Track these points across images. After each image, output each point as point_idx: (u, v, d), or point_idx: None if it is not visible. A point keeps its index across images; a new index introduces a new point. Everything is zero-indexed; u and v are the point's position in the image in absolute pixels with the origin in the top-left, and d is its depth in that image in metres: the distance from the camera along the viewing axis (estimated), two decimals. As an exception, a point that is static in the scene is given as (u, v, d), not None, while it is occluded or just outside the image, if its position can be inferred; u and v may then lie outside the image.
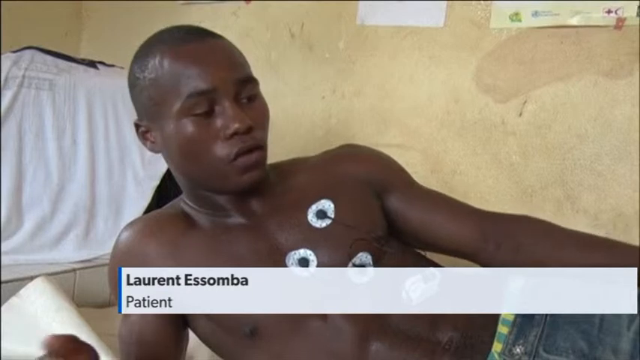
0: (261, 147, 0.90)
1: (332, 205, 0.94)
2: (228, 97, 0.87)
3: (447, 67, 1.64)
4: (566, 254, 0.96)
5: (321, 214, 0.94)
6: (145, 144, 0.96)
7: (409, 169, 1.08)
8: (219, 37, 0.93)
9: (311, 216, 0.94)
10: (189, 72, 0.87)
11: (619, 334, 0.83)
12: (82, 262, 1.73)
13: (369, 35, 1.77)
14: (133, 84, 0.93)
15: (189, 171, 0.94)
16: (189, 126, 0.88)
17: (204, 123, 0.87)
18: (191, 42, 0.89)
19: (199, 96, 0.86)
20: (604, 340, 0.83)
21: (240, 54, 0.93)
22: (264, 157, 0.92)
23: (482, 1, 1.58)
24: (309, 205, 0.95)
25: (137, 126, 0.95)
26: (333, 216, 0.94)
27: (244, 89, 0.89)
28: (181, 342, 0.99)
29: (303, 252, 0.91)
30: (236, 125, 0.86)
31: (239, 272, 0.91)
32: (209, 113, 0.87)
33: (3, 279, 1.47)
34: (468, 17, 1.60)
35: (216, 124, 0.87)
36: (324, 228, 0.93)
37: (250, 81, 0.91)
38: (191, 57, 0.87)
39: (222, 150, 0.88)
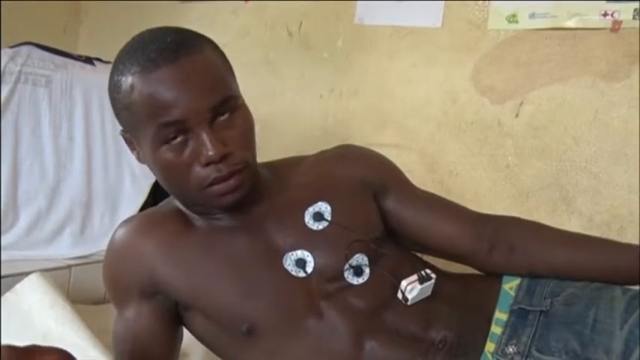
0: (239, 170, 0.87)
1: (329, 208, 0.95)
2: (201, 126, 0.84)
3: (444, 67, 1.64)
4: (560, 254, 0.97)
5: (318, 217, 0.94)
6: (132, 153, 0.95)
7: (405, 170, 1.09)
8: (198, 51, 0.86)
9: (308, 218, 0.94)
10: (159, 102, 0.83)
11: (611, 334, 0.83)
12: (77, 258, 1.73)
13: (367, 35, 1.77)
14: (111, 101, 0.90)
15: (171, 191, 0.94)
16: (164, 154, 0.86)
17: (179, 151, 0.86)
18: (162, 66, 0.83)
19: (169, 127, 0.84)
20: (596, 340, 0.83)
21: (220, 68, 0.89)
22: (246, 177, 0.89)
23: (479, 3, 1.58)
24: (306, 208, 0.95)
25: (124, 137, 0.95)
26: (330, 218, 0.94)
27: (221, 110, 0.86)
28: (176, 339, 0.99)
29: (300, 253, 0.92)
30: (209, 154, 0.84)
31: (236, 271, 0.91)
32: (185, 140, 0.86)
33: (-2, 274, 1.47)
34: (465, 18, 1.60)
35: (191, 153, 0.86)
36: (321, 230, 0.93)
37: (226, 101, 0.87)
38: (161, 85, 0.83)
39: (197, 177, 0.86)
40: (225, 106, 0.87)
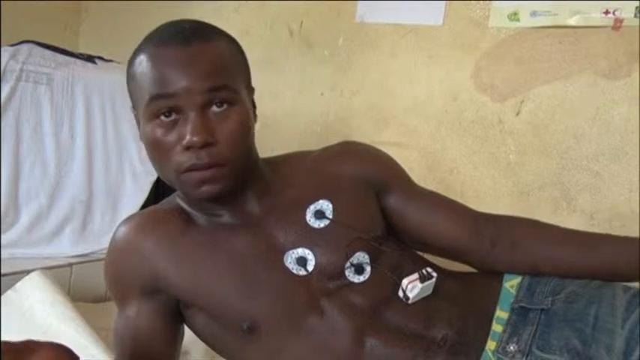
0: (219, 164, 0.86)
1: (330, 206, 0.95)
2: (192, 107, 0.85)
3: (445, 65, 1.64)
4: (561, 252, 0.97)
5: (320, 215, 0.94)
6: (139, 130, 0.96)
7: (406, 168, 1.08)
8: (211, 38, 0.89)
9: (309, 216, 0.94)
10: (157, 76, 0.86)
11: (613, 333, 0.83)
12: (78, 256, 1.73)
13: (368, 33, 1.77)
14: (126, 74, 0.93)
15: (157, 171, 0.94)
16: (153, 129, 0.87)
17: (167, 129, 0.86)
18: (172, 46, 0.86)
19: (161, 99, 0.85)
20: (598, 339, 0.83)
21: (228, 61, 0.90)
22: (225, 174, 0.87)
23: (481, 1, 1.58)
24: (308, 206, 0.95)
25: (134, 114, 0.96)
26: (331, 216, 0.94)
27: (216, 98, 0.86)
28: (177, 337, 0.99)
29: (301, 251, 0.92)
30: (192, 139, 0.84)
31: (237, 269, 0.91)
32: (175, 121, 0.86)
33: (-1, 272, 1.48)
34: (466, 16, 1.60)
35: (177, 134, 0.86)
36: (322, 228, 0.93)
37: (223, 89, 0.87)
38: (164, 61, 0.86)
39: (176, 160, 0.86)
40: (222, 95, 0.87)
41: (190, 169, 0.86)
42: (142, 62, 0.87)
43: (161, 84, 0.85)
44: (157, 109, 0.86)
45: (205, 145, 0.85)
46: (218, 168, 0.86)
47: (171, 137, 0.86)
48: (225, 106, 0.87)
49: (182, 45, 0.86)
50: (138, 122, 0.95)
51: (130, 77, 0.91)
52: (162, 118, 0.86)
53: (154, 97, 0.86)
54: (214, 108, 0.86)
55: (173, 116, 0.86)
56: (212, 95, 0.86)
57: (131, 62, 0.91)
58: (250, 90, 0.96)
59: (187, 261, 0.93)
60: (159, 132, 0.87)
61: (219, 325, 0.93)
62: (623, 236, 0.97)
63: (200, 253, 0.93)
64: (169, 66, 0.85)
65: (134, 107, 0.94)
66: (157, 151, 0.88)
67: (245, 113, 0.90)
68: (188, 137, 0.84)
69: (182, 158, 0.86)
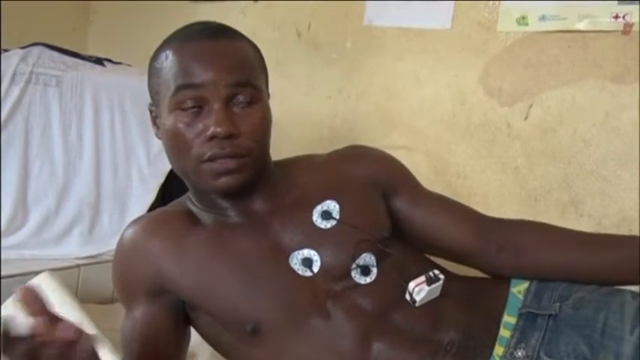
0: (241, 155, 0.88)
1: (337, 206, 0.95)
2: (216, 99, 0.87)
3: (453, 69, 1.64)
4: (566, 255, 0.96)
5: (326, 215, 0.94)
6: (154, 129, 0.98)
7: (413, 171, 1.08)
8: (235, 37, 0.93)
9: (316, 216, 0.94)
10: (184, 67, 0.88)
11: (621, 339, 0.83)
12: (86, 258, 1.73)
13: (376, 36, 1.77)
14: (148, 71, 0.95)
15: (174, 164, 0.95)
16: (176, 118, 0.89)
17: (191, 119, 0.88)
18: (199, 40, 0.90)
19: (186, 90, 0.87)
20: (606, 345, 0.83)
21: (252, 60, 0.93)
22: (245, 165, 0.89)
23: (489, 4, 1.57)
24: (315, 206, 0.95)
25: (150, 111, 0.98)
26: (338, 217, 0.94)
27: (240, 93, 0.89)
28: (183, 339, 0.99)
29: (306, 252, 0.91)
30: (217, 129, 0.86)
31: (242, 270, 0.91)
32: (199, 112, 0.88)
33: (7, 273, 1.48)
34: (475, 20, 1.60)
35: (200, 125, 0.88)
36: (329, 229, 0.93)
37: (247, 85, 0.90)
38: (191, 54, 0.89)
39: (198, 150, 0.88)
40: (245, 91, 0.89)
41: (212, 159, 0.87)
42: (169, 56, 0.90)
43: (188, 74, 0.87)
44: (183, 99, 0.88)
45: (228, 136, 0.86)
46: (239, 159, 0.88)
47: (195, 128, 0.88)
48: (248, 102, 0.90)
49: (209, 39, 0.90)
50: (154, 120, 0.96)
51: (154, 72, 0.93)
52: (187, 109, 0.88)
53: (181, 87, 0.88)
54: (238, 103, 0.89)
55: (197, 107, 0.88)
56: (237, 90, 0.88)
57: (155, 58, 0.93)
58: (268, 95, 0.98)
59: (191, 262, 0.93)
60: (182, 122, 0.88)
61: (223, 326, 0.93)
62: (628, 235, 0.96)
63: (204, 253, 0.93)
64: (197, 58, 0.88)
65: (154, 103, 0.95)
66: (178, 142, 0.90)
67: (266, 111, 0.93)
68: (212, 128, 0.86)
69: (204, 148, 0.87)
